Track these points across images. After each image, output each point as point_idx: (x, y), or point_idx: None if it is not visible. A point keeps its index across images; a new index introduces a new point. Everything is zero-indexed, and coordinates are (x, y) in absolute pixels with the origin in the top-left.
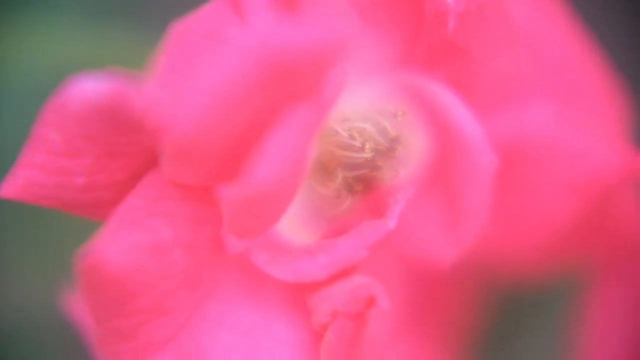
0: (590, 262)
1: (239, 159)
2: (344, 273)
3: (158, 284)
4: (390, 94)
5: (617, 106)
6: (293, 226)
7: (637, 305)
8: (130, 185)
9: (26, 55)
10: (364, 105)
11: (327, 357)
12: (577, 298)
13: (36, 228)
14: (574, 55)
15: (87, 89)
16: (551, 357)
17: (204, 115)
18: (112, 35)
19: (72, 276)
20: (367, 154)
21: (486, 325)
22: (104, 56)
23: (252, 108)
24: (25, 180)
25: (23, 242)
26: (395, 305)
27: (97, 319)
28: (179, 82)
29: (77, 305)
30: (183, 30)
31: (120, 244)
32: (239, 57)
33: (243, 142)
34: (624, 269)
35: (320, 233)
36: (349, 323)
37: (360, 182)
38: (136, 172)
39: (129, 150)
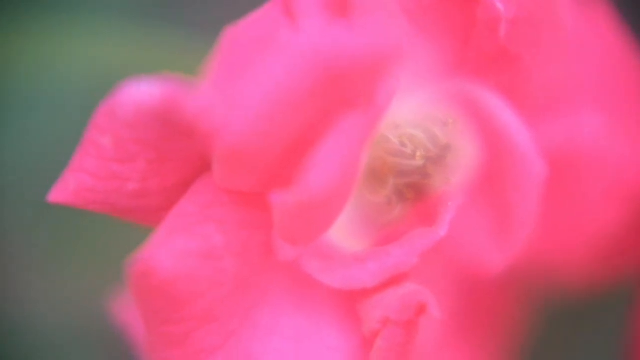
0: (638, 272)
1: (291, 166)
2: (395, 280)
3: (209, 291)
4: (440, 101)
5: None
6: (344, 233)
7: None
8: (181, 191)
9: (72, 58)
10: (415, 113)
11: None
12: (626, 311)
13: (86, 232)
14: (624, 64)
15: (139, 92)
16: None
17: (257, 121)
18: (156, 37)
19: (122, 281)
20: (418, 161)
21: (534, 335)
22: (149, 59)
23: (305, 114)
24: (75, 185)
25: (73, 246)
26: (445, 313)
27: (147, 325)
28: (232, 87)
29: (125, 310)
30: (235, 34)
31: (171, 250)
32: (291, 62)
33: (295, 148)
34: None
35: (371, 240)
36: (399, 330)
37: (410, 190)
38: (187, 177)
39: (181, 156)
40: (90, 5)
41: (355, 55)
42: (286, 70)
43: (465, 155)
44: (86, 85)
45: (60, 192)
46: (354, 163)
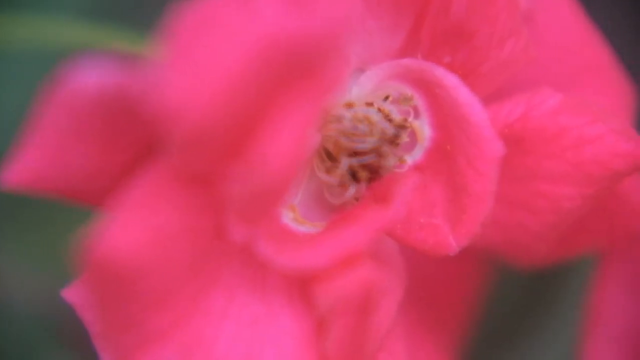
0: (598, 247)
1: (245, 143)
2: (349, 262)
3: (161, 275)
4: (395, 80)
5: (625, 94)
6: (297, 215)
7: (638, 290)
8: (131, 172)
9: (23, 38)
10: (369, 92)
11: (333, 346)
12: (587, 284)
13: (33, 216)
14: (584, 45)
15: (90, 73)
16: (564, 340)
17: (212, 101)
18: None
19: (73, 264)
20: (372, 141)
21: (494, 309)
22: (104, 43)
23: (259, 92)
24: (24, 166)
25: (20, 232)
26: (403, 294)
27: (101, 309)
28: (188, 67)
29: (77, 295)
30: (188, 15)
31: (125, 234)
32: (245, 41)
33: (250, 126)
34: (631, 255)
35: (325, 221)
36: (354, 312)
37: (365, 170)
38: (137, 159)
39: (132, 137)
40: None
41: (307, 35)
42: (240, 49)
43: (420, 135)
44: (32, 67)
45: (10, 175)
46: (303, 140)
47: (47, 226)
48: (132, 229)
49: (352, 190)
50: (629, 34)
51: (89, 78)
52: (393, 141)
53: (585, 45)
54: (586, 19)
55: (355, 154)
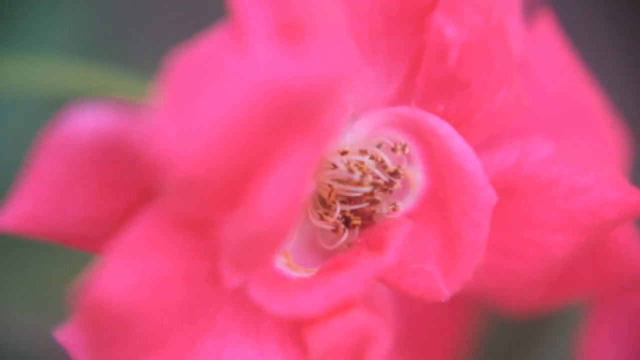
0: (589, 296)
1: (240, 192)
2: (342, 308)
3: (156, 318)
4: (389, 128)
5: (617, 142)
6: (290, 261)
7: (631, 339)
8: (127, 218)
9: (18, 84)
10: (363, 139)
11: None
12: (578, 330)
13: (29, 259)
14: (574, 90)
15: (87, 120)
16: None
17: (207, 149)
18: (101, 68)
19: (67, 307)
20: (366, 188)
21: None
22: (99, 88)
23: (255, 141)
24: (20, 211)
25: (15, 273)
26: (393, 338)
27: (95, 350)
28: (183, 115)
29: (71, 337)
30: (184, 62)
31: (120, 279)
32: (241, 90)
33: (245, 175)
34: (621, 303)
35: (318, 267)
36: (345, 357)
37: (358, 216)
38: (134, 205)
39: (128, 184)
40: (34, 40)
41: (304, 83)
42: (235, 98)
43: (414, 182)
44: (31, 111)
45: (4, 219)
46: (300, 190)
47: (43, 266)
48: (126, 272)
49: (345, 237)
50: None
51: (84, 123)
52: (386, 188)
53: (577, 92)
54: (578, 63)
55: (348, 200)
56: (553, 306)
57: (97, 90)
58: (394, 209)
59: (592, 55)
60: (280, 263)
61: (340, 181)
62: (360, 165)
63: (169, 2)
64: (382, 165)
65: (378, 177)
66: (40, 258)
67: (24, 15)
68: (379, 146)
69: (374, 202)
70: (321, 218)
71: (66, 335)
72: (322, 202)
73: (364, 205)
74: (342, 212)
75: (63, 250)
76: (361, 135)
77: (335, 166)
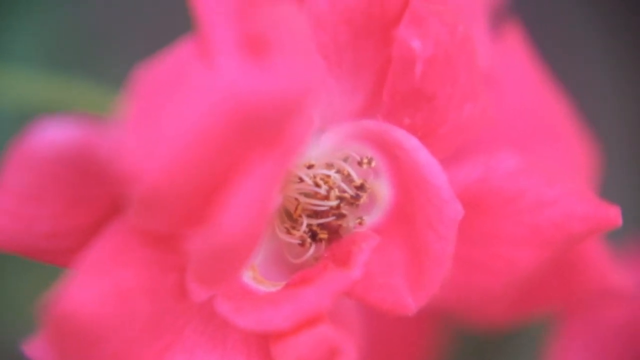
0: (555, 309)
1: (206, 206)
2: (309, 322)
3: (123, 332)
4: (355, 141)
5: (584, 155)
6: (257, 274)
7: (600, 354)
8: (94, 232)
9: None
10: (329, 152)
11: None
12: (542, 343)
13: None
14: (541, 103)
15: (54, 134)
16: None
17: (172, 163)
18: (69, 81)
19: (32, 321)
20: (332, 202)
21: None
22: (66, 100)
23: (220, 154)
24: None
25: None
26: (359, 352)
27: None
28: (148, 129)
29: (39, 350)
30: (150, 75)
31: (86, 292)
32: (206, 103)
33: (210, 188)
34: (589, 318)
35: (285, 281)
36: None
37: (324, 230)
38: (99, 219)
39: (94, 197)
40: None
41: (270, 96)
42: (201, 111)
43: (380, 196)
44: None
45: None
46: (266, 204)
47: (17, 279)
48: (93, 286)
49: (312, 251)
50: (594, 88)
51: (50, 137)
52: (353, 202)
53: (545, 107)
54: (547, 74)
55: (315, 214)
56: (519, 320)
57: (64, 102)
58: (360, 223)
59: (561, 64)
60: (247, 277)
61: (306, 195)
62: (326, 179)
63: (137, 15)
64: (348, 179)
65: (344, 191)
66: (15, 270)
67: None
68: (345, 160)
69: (341, 216)
70: (288, 232)
71: (34, 348)
72: (289, 215)
73: (331, 219)
74: (309, 226)
75: (37, 264)
76: (327, 149)
77: (301, 180)
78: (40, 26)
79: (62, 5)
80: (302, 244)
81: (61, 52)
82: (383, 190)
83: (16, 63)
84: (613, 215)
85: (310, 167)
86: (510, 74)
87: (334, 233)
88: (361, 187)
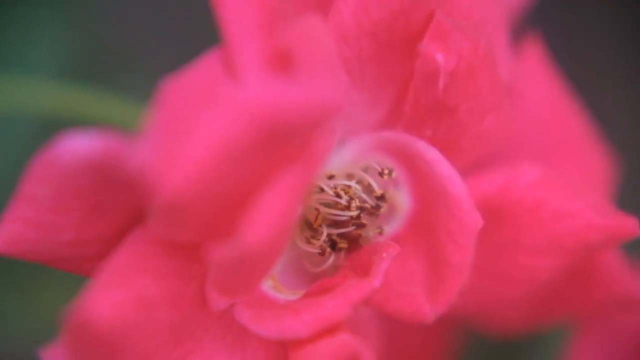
0: (572, 317)
1: (229, 218)
2: (328, 331)
3: (144, 340)
4: (376, 152)
5: (602, 167)
6: (277, 283)
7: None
8: (115, 242)
9: (7, 108)
10: (350, 163)
11: None
12: (558, 351)
13: (18, 281)
14: (560, 116)
15: (79, 145)
16: None
17: (197, 174)
18: (90, 93)
19: (55, 329)
20: (352, 212)
21: None
22: (87, 113)
23: (245, 167)
24: (10, 234)
25: (4, 294)
26: (377, 359)
27: None
28: (173, 140)
29: (57, 354)
30: (175, 89)
31: (108, 300)
32: (231, 117)
33: (234, 201)
34: (606, 325)
35: (305, 290)
36: None
37: (344, 240)
38: (122, 229)
39: (116, 207)
40: (18, 67)
41: (296, 111)
42: (227, 122)
43: (400, 206)
44: (24, 135)
45: None
46: (290, 216)
47: (28, 287)
48: (113, 294)
49: (331, 260)
50: (615, 103)
51: (74, 148)
52: (373, 212)
53: (564, 118)
54: (567, 89)
55: (335, 224)
56: (536, 328)
57: (87, 114)
58: (380, 233)
59: (582, 80)
60: (267, 285)
61: (327, 205)
62: (347, 189)
63: (160, 27)
64: (369, 189)
65: (365, 201)
66: (25, 278)
67: (13, 40)
68: (365, 170)
69: (361, 225)
70: (308, 241)
71: (52, 355)
72: (309, 225)
73: (351, 229)
74: (329, 235)
75: (60, 272)
76: (348, 159)
77: (322, 190)
78: (62, 40)
79: (84, 20)
80: (322, 254)
81: (82, 67)
82: (403, 200)
83: (38, 76)
84: (630, 226)
85: (331, 177)
86: (530, 87)
87: (354, 243)
88: (382, 198)
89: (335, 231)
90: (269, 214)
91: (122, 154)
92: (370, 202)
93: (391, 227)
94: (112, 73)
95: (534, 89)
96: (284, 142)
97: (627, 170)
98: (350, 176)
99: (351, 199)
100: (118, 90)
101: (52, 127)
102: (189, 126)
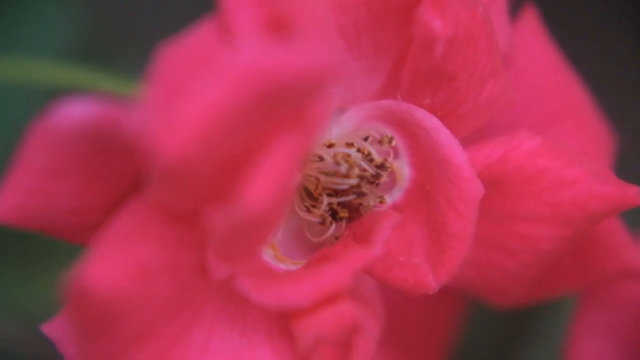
0: (575, 289)
1: (228, 183)
2: (329, 299)
3: (143, 308)
4: (376, 120)
5: (602, 132)
6: (277, 253)
7: (616, 329)
8: (114, 209)
9: (8, 76)
10: (349, 132)
11: None
12: (562, 325)
13: (17, 249)
14: (558, 83)
15: (76, 111)
16: None
17: (195, 137)
18: (89, 70)
19: (55, 297)
20: (352, 181)
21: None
22: (87, 81)
23: (242, 132)
24: (9, 203)
25: (3, 264)
26: (380, 330)
27: (81, 342)
28: (170, 105)
29: (59, 329)
30: (172, 54)
31: (107, 268)
32: (228, 81)
33: (232, 166)
34: (607, 294)
35: (305, 259)
36: (333, 350)
37: (345, 209)
38: (120, 196)
39: (115, 175)
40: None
41: (292, 75)
42: (223, 89)
43: (400, 175)
44: (20, 102)
45: None
46: (288, 181)
47: (31, 261)
48: (113, 262)
49: (332, 229)
50: (612, 72)
51: (71, 114)
52: (373, 181)
53: (563, 88)
54: (564, 60)
55: (335, 193)
56: (540, 300)
57: (86, 85)
58: (380, 202)
59: (578, 51)
60: (268, 255)
61: (326, 174)
62: (346, 157)
63: (164, 5)
64: (368, 158)
65: (365, 170)
66: (29, 252)
67: (12, 19)
68: (365, 139)
69: (361, 194)
70: (308, 210)
71: (54, 328)
72: (309, 194)
73: (351, 197)
74: (329, 204)
75: (50, 243)
76: (347, 128)
77: (321, 158)
78: (61, 18)
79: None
80: (323, 223)
81: (81, 43)
82: (403, 169)
83: (40, 54)
84: (632, 194)
85: (330, 146)
86: (527, 55)
87: (355, 212)
88: (381, 166)
89: (335, 200)
90: (268, 178)
91: (120, 119)
92: (370, 170)
93: (392, 197)
94: (116, 52)
95: (532, 60)
96: (280, 106)
97: (626, 140)
98: (349, 144)
99: (351, 167)
100: (121, 68)
101: (50, 97)
102: (185, 91)
